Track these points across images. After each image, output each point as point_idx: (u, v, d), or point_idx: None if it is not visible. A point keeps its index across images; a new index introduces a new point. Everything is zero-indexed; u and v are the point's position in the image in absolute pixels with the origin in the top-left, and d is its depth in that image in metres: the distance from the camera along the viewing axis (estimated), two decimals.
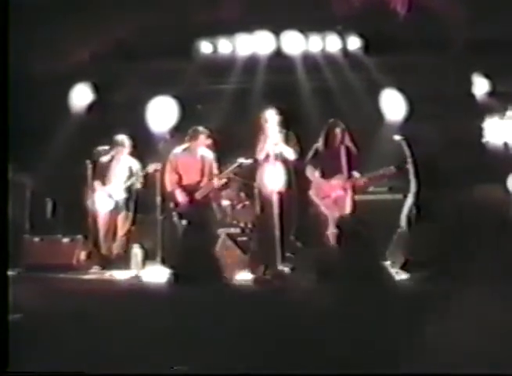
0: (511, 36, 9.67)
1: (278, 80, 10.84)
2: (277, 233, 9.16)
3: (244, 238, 10.11)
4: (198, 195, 9.86)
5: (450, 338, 3.94)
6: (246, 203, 10.37)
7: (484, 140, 9.90)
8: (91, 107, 11.16)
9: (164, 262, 9.08)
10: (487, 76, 10.38)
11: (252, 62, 11.02)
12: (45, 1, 9.76)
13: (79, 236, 10.00)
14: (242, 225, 10.21)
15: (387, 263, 8.76)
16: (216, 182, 9.95)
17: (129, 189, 10.20)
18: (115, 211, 10.18)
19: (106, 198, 10.16)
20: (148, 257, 9.58)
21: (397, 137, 9.89)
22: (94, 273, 9.57)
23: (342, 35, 10.87)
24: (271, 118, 9.69)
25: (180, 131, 10.69)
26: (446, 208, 9.39)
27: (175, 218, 9.86)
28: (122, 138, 10.26)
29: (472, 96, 10.47)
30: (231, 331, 3.70)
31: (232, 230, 10.07)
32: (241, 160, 9.77)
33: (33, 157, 10.22)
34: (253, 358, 3.44)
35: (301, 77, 11.03)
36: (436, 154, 10.14)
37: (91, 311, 5.16)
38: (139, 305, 5.29)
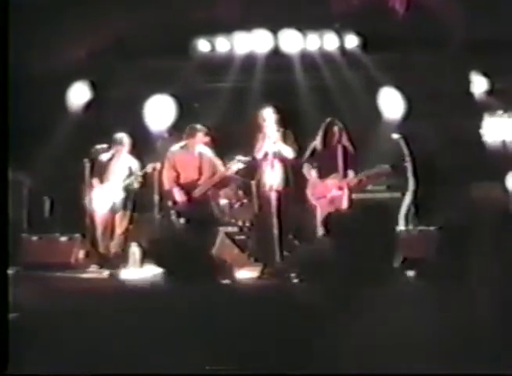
0: (509, 34, 9.66)
1: (276, 78, 10.83)
2: (275, 231, 9.16)
3: (242, 237, 10.11)
4: (196, 193, 9.85)
5: (449, 337, 3.94)
6: (245, 201, 10.37)
7: (482, 138, 9.92)
8: (88, 106, 11.14)
9: (161, 260, 9.06)
10: (485, 74, 10.37)
11: (250, 60, 11.01)
12: (45, 1, 9.74)
13: (77, 235, 9.99)
14: (240, 223, 10.21)
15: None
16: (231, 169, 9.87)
17: (127, 188, 10.17)
18: (113, 209, 10.15)
19: (104, 197, 10.13)
20: (146, 256, 9.56)
21: (395, 135, 9.90)
22: (92, 272, 9.56)
23: (340, 33, 10.85)
24: (269, 117, 9.69)
25: (178, 129, 10.68)
26: (444, 207, 9.40)
27: (173, 217, 9.85)
28: (121, 136, 10.22)
29: (470, 95, 10.47)
30: (231, 331, 3.69)
31: (231, 229, 10.07)
32: (239, 157, 9.75)
33: (30, 155, 10.21)
34: (253, 358, 3.43)
35: (299, 75, 11.02)
36: (434, 153, 10.15)
37: (89, 310, 5.15)
38: (138, 304, 5.28)
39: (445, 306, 4.07)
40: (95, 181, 10.13)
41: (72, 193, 10.21)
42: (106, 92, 11.23)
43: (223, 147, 10.16)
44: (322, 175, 9.64)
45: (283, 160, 9.64)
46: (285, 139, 9.69)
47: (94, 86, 11.17)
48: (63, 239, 9.99)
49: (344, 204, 9.56)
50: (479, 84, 10.43)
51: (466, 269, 4.67)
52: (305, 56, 10.97)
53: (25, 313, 5.19)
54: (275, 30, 10.83)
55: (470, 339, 3.90)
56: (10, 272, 7.60)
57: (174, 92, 11.19)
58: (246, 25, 10.86)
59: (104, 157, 10.16)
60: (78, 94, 11.11)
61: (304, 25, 10.78)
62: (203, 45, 11.07)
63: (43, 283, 8.25)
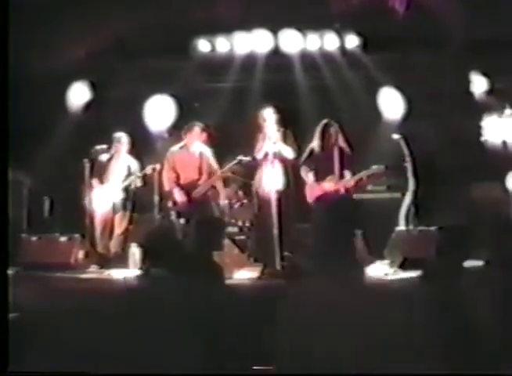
0: (510, 34, 9.66)
1: (276, 78, 10.83)
2: (275, 231, 9.15)
3: (242, 237, 10.11)
4: (196, 193, 9.85)
5: (448, 337, 3.93)
6: (245, 201, 10.37)
7: (482, 139, 9.92)
8: (88, 106, 11.14)
9: (161, 260, 9.04)
10: (485, 74, 10.37)
11: (250, 60, 11.01)
12: (45, 1, 9.74)
13: (77, 235, 9.95)
14: (240, 224, 10.20)
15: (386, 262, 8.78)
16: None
17: (127, 189, 10.15)
18: (112, 210, 10.13)
19: (103, 197, 10.11)
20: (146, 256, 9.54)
21: (395, 135, 9.89)
22: (92, 272, 9.54)
23: (340, 33, 10.85)
24: (269, 117, 9.69)
25: (178, 129, 10.67)
26: (444, 207, 9.40)
27: (173, 217, 9.84)
28: (120, 135, 10.21)
29: (470, 95, 10.47)
30: (231, 330, 3.69)
31: (230, 229, 10.07)
32: (239, 157, 9.75)
33: (30, 155, 10.20)
34: (253, 357, 3.43)
35: (299, 75, 11.02)
36: (434, 153, 10.15)
37: (89, 310, 5.14)
38: (138, 303, 5.27)
39: (445, 306, 4.06)
40: (95, 181, 10.12)
41: (72, 194, 10.20)
42: (106, 92, 11.23)
43: (223, 147, 10.16)
44: (319, 177, 9.64)
45: (283, 160, 9.63)
46: (285, 139, 9.69)
47: (94, 86, 11.17)
48: (63, 239, 9.95)
49: None
50: (479, 84, 10.43)
51: (466, 269, 4.66)
52: (305, 56, 10.97)
53: (25, 313, 5.18)
54: (275, 31, 10.83)
55: (470, 339, 3.89)
56: (10, 272, 7.61)
57: (174, 92, 11.19)
58: (247, 25, 10.87)
59: (103, 157, 10.15)
60: (78, 94, 11.11)
61: (304, 25, 10.78)
62: (203, 45, 11.07)
63: (43, 283, 8.23)
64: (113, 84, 11.21)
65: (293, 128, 9.90)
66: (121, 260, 9.68)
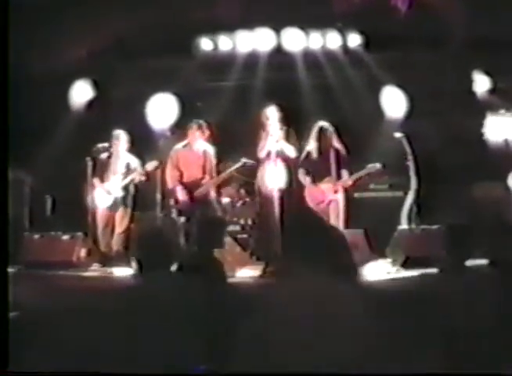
0: (511, 33, 9.65)
1: (278, 77, 10.82)
2: (278, 230, 9.16)
3: (244, 235, 10.10)
4: (198, 192, 9.85)
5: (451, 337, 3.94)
6: (247, 200, 10.37)
7: (484, 137, 9.91)
8: (90, 104, 11.14)
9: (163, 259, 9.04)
10: (487, 73, 10.36)
11: (252, 59, 10.99)
12: (45, 1, 9.74)
13: (79, 234, 9.95)
14: (242, 222, 10.20)
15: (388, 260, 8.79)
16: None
17: (127, 187, 10.14)
18: (113, 207, 10.12)
19: (104, 195, 10.10)
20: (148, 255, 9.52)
21: (397, 134, 9.89)
22: (94, 270, 9.55)
23: (342, 32, 10.84)
24: (271, 115, 9.71)
25: (180, 128, 10.68)
26: (446, 206, 9.39)
27: (174, 215, 9.85)
28: (118, 133, 10.20)
29: (473, 93, 10.45)
30: (232, 330, 3.68)
31: (232, 227, 10.06)
32: (244, 159, 9.75)
33: (32, 154, 10.21)
34: (254, 357, 3.44)
35: (302, 74, 11.00)
36: (436, 151, 10.14)
37: (91, 308, 5.14)
38: (140, 302, 5.28)
39: (445, 305, 4.06)
40: (96, 179, 10.11)
41: (74, 192, 10.19)
42: (108, 91, 11.23)
43: (226, 146, 10.17)
44: (317, 179, 9.67)
45: (286, 158, 9.64)
46: (288, 138, 9.71)
47: (96, 85, 11.16)
48: (65, 237, 9.95)
49: (342, 206, 9.60)
50: (481, 83, 10.42)
51: (467, 268, 4.66)
52: (308, 55, 10.96)
53: (27, 312, 5.19)
54: (277, 29, 10.82)
55: (470, 339, 3.90)
56: (12, 270, 7.63)
57: (177, 91, 11.19)
58: (249, 24, 10.86)
59: (104, 155, 10.13)
60: (80, 93, 11.10)
61: (306, 24, 10.76)
62: (205, 44, 11.05)
63: (45, 282, 8.24)
64: (116, 83, 11.21)
65: (296, 126, 9.91)
66: (123, 258, 9.69)
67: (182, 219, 9.64)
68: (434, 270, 6.75)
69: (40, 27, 9.81)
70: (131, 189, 10.16)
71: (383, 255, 8.90)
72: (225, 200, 10.23)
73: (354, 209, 9.80)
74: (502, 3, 9.50)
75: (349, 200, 9.81)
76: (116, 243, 10.03)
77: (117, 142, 10.14)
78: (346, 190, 9.67)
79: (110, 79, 11.17)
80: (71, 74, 10.87)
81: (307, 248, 3.59)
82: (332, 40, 10.86)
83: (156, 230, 5.95)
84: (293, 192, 9.74)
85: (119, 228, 10.08)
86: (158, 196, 9.99)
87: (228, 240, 9.59)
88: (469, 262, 4.70)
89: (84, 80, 11.09)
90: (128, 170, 10.14)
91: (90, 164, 9.95)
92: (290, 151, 9.69)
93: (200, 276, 4.85)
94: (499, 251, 4.69)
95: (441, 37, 10.13)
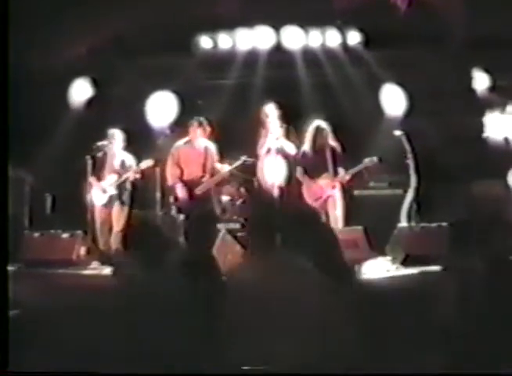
0: (511, 31, 9.65)
1: (278, 75, 10.81)
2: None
3: (244, 233, 10.09)
4: (198, 191, 9.85)
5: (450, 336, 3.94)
6: (247, 198, 10.36)
7: (484, 135, 9.90)
8: (90, 102, 11.13)
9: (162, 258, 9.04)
10: (487, 71, 10.35)
11: (252, 57, 10.99)
12: (45, 1, 9.73)
13: (79, 232, 9.94)
14: (242, 220, 10.20)
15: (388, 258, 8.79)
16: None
17: (123, 185, 10.11)
18: (109, 205, 10.09)
19: (99, 193, 10.08)
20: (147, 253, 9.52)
21: (397, 132, 9.90)
22: (94, 269, 9.54)
23: (342, 30, 10.84)
24: (271, 113, 9.72)
25: (180, 126, 10.67)
26: (446, 203, 9.40)
27: (174, 212, 9.84)
28: (113, 132, 10.18)
29: (472, 91, 10.44)
30: (233, 329, 3.69)
31: (232, 225, 10.05)
32: (244, 158, 9.75)
33: (32, 152, 10.21)
34: (254, 357, 3.44)
35: (301, 71, 11.00)
36: (436, 149, 10.14)
37: (91, 307, 5.14)
38: (140, 301, 5.27)
39: (444, 303, 4.06)
40: (93, 178, 10.09)
41: (73, 190, 10.18)
42: (108, 89, 11.21)
43: (226, 143, 10.17)
44: (314, 176, 9.67)
45: (286, 156, 9.65)
46: (288, 135, 9.72)
47: (96, 83, 11.15)
48: (65, 235, 9.94)
49: (340, 202, 9.61)
50: (481, 81, 10.41)
51: (467, 266, 4.66)
52: (307, 53, 10.96)
53: (27, 310, 5.18)
54: (277, 27, 10.82)
55: (470, 337, 3.90)
56: (12, 268, 7.62)
57: (177, 89, 11.17)
58: (249, 21, 10.85)
59: (100, 153, 10.11)
60: (80, 91, 11.09)
61: (306, 21, 10.76)
62: (205, 42, 11.05)
63: (44, 280, 8.23)
64: (115, 81, 11.19)
65: (296, 123, 9.92)
66: (123, 257, 9.67)
67: (182, 217, 9.64)
68: (434, 268, 6.77)
69: (40, 27, 9.80)
70: (128, 186, 10.11)
71: (382, 253, 8.89)
72: (225, 198, 10.22)
73: (354, 207, 9.81)
74: (502, 2, 9.51)
75: (349, 198, 9.81)
76: (115, 241, 10.02)
77: (112, 141, 10.12)
78: (344, 186, 9.68)
79: (110, 77, 11.15)
80: (71, 73, 10.86)
81: (301, 245, 3.59)
82: (331, 38, 10.86)
83: (155, 228, 5.95)
84: (292, 188, 9.75)
85: (116, 226, 10.03)
86: (158, 194, 9.97)
87: (228, 237, 9.61)
88: (468, 260, 4.70)
89: (84, 78, 11.08)
90: (123, 168, 10.11)
91: (90, 162, 9.95)
92: (290, 148, 9.70)
93: (199, 274, 4.85)
94: (499, 248, 4.69)
95: (440, 35, 10.14)
